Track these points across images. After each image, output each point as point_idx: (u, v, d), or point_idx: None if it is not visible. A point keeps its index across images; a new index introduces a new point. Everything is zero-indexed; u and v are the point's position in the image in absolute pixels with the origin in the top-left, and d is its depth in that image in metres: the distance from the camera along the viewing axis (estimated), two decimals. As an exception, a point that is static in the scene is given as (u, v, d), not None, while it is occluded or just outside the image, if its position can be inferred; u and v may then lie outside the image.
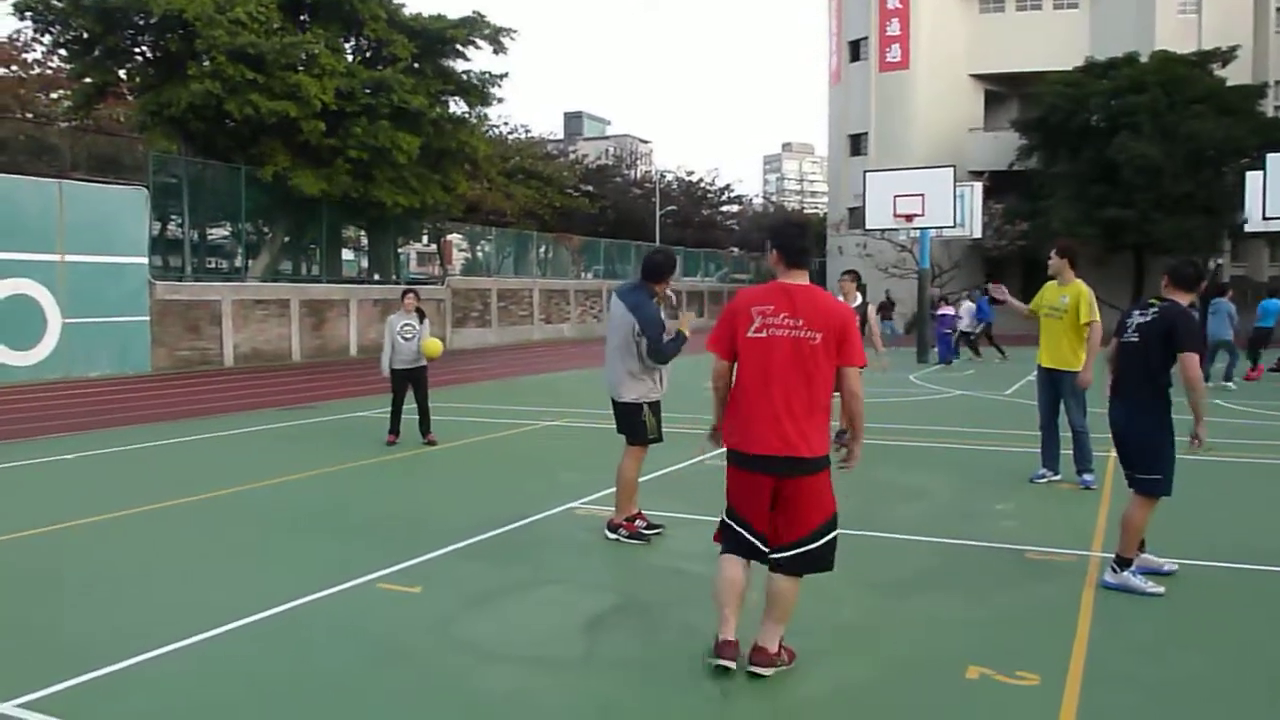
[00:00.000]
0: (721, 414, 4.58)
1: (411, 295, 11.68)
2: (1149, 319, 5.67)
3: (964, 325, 25.43)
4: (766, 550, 4.36)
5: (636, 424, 6.68)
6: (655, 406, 6.74)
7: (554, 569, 6.22)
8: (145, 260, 21.55)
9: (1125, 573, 5.58)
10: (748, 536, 4.39)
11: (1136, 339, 5.69)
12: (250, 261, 26.89)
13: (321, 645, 4.86)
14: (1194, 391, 5.49)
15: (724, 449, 4.55)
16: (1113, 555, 5.72)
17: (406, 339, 11.31)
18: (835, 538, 4.38)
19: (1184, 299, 5.72)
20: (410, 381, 11.42)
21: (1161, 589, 5.53)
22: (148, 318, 21.41)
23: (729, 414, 4.48)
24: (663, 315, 6.57)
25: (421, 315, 11.54)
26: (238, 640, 4.89)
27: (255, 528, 7.43)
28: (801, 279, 4.48)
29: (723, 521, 4.54)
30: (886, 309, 30.03)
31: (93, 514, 7.75)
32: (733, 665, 4.33)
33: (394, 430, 11.41)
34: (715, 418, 4.66)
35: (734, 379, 4.49)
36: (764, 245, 4.74)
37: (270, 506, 8.18)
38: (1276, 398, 15.80)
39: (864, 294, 11.88)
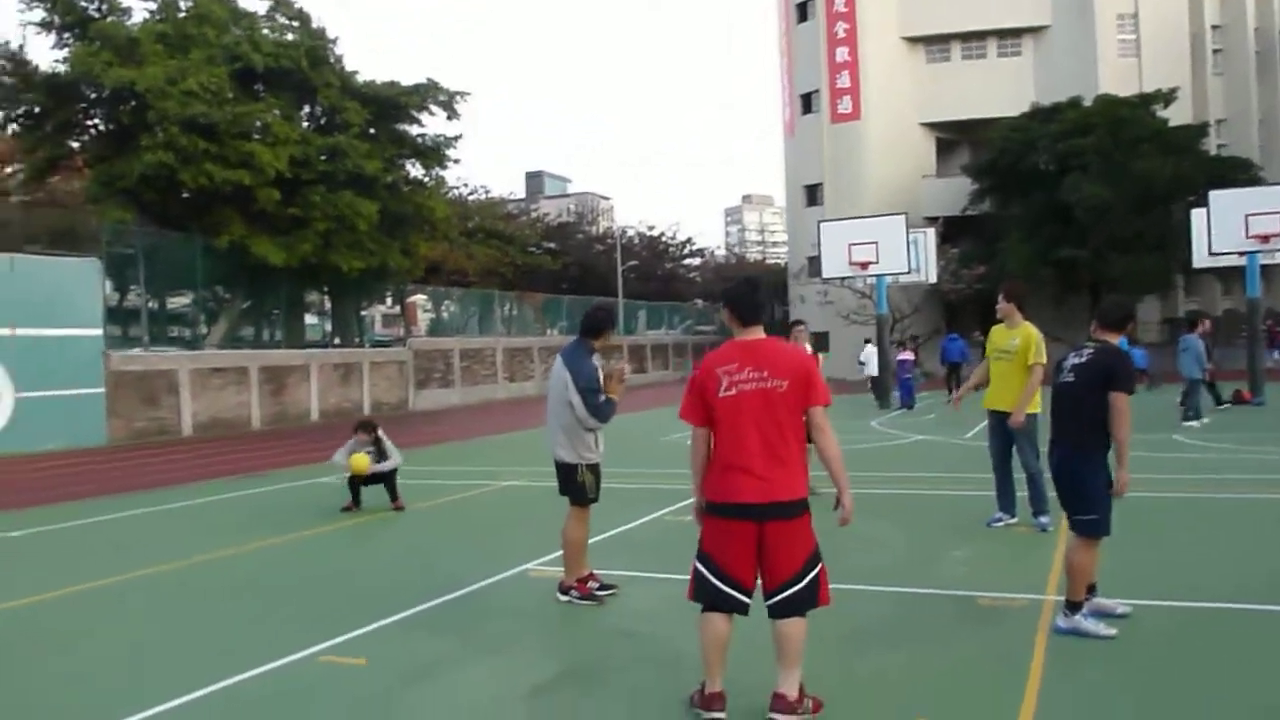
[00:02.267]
0: (702, 486, 4.63)
1: (362, 432, 11.25)
2: (1084, 360, 5.73)
3: (870, 370, 26.35)
4: (744, 600, 4.43)
5: (575, 485, 6.60)
6: (594, 468, 6.66)
7: (503, 635, 6.09)
8: (100, 331, 21.31)
9: (1076, 616, 5.54)
10: (723, 587, 4.43)
11: (1072, 379, 5.74)
12: (209, 329, 26.67)
13: (258, 725, 4.72)
14: (1120, 431, 5.53)
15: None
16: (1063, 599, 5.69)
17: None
18: (819, 573, 4.47)
19: (1114, 339, 5.82)
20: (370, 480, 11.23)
21: (1114, 631, 5.49)
22: (102, 389, 21.11)
23: (709, 470, 4.57)
24: (600, 373, 6.53)
25: (377, 441, 11.16)
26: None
27: (202, 601, 7.24)
28: (758, 334, 4.62)
29: (696, 573, 4.55)
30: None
31: (31, 594, 7.53)
32: (724, 716, 4.42)
33: (355, 500, 11.18)
34: (696, 491, 4.69)
35: (712, 440, 4.58)
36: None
37: (218, 579, 7.98)
38: (1233, 432, 15.99)
39: (816, 344, 11.88)
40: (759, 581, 4.47)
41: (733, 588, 4.43)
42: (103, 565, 8.56)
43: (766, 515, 4.36)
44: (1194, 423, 17.13)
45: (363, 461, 11.01)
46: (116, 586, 7.82)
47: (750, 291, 4.75)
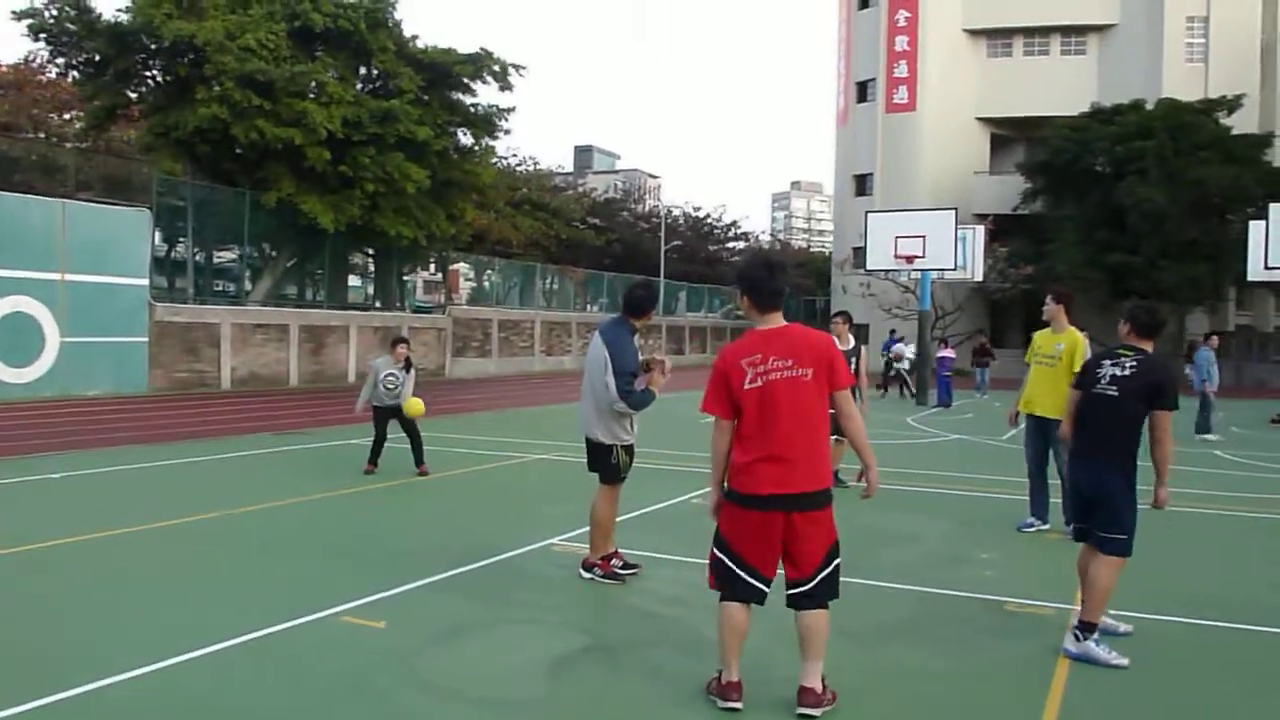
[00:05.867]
0: (721, 482, 4.57)
1: (403, 346, 11.44)
2: (1127, 372, 5.37)
3: (904, 366, 27.44)
4: (764, 589, 4.40)
5: (609, 464, 6.57)
6: (629, 449, 6.63)
7: (524, 607, 6.11)
8: (145, 281, 21.57)
9: (1088, 641, 5.22)
10: (747, 578, 4.39)
11: (1114, 392, 5.37)
12: (254, 285, 26.93)
13: (277, 678, 4.76)
14: (1163, 450, 5.27)
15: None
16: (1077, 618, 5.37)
17: (389, 388, 11.21)
18: (838, 566, 4.47)
19: (1149, 347, 5.51)
20: (394, 416, 11.31)
21: (1126, 661, 5.16)
22: (146, 338, 21.40)
23: (733, 459, 4.46)
24: (639, 358, 6.46)
25: (408, 366, 11.40)
26: (196, 670, 4.79)
27: (229, 554, 7.33)
28: (777, 321, 4.50)
29: (716, 561, 4.50)
30: (982, 355, 29.29)
31: (68, 535, 7.65)
32: (741, 706, 4.38)
33: (373, 460, 11.30)
34: (714, 488, 4.62)
35: (735, 431, 4.48)
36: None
37: (246, 533, 8.08)
38: (1274, 449, 15.69)
39: (858, 337, 11.70)
40: (779, 572, 4.45)
41: (754, 577, 4.39)
42: (135, 512, 8.68)
43: (794, 505, 4.31)
44: (1210, 435, 17.33)
45: (419, 407, 11.21)
46: (148, 534, 7.93)
47: (768, 275, 4.55)
